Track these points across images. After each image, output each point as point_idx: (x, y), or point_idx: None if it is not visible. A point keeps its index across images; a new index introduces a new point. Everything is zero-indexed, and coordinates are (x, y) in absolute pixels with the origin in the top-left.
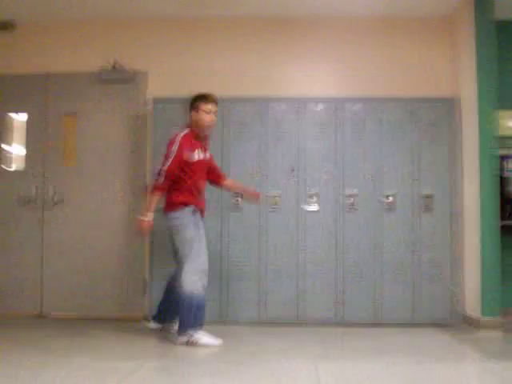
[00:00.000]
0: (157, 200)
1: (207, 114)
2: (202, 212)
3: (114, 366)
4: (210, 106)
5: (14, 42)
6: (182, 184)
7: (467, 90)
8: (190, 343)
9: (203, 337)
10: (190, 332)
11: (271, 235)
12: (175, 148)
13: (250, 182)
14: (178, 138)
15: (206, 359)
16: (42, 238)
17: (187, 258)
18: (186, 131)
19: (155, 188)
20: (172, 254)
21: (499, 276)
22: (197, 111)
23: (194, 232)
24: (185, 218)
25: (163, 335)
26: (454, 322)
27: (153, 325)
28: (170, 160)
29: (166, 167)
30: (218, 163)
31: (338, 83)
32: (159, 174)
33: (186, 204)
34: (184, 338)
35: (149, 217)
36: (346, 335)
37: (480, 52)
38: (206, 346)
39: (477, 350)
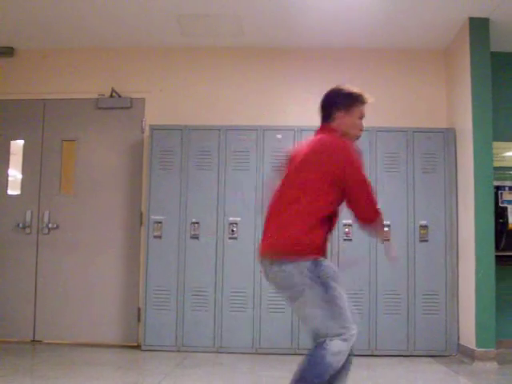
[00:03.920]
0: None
1: (361, 120)
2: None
3: None
4: (364, 110)
5: (13, 68)
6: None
7: (463, 121)
8: None
9: None
10: None
11: None
12: (360, 159)
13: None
14: (351, 146)
15: None
16: (35, 264)
17: None
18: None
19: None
20: None
21: (494, 307)
22: (350, 113)
23: None
24: None
25: (159, 362)
26: (449, 353)
27: None
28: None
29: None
30: (213, 192)
31: None
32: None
33: None
34: None
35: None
36: None
37: (475, 84)
38: None
39: (473, 381)
